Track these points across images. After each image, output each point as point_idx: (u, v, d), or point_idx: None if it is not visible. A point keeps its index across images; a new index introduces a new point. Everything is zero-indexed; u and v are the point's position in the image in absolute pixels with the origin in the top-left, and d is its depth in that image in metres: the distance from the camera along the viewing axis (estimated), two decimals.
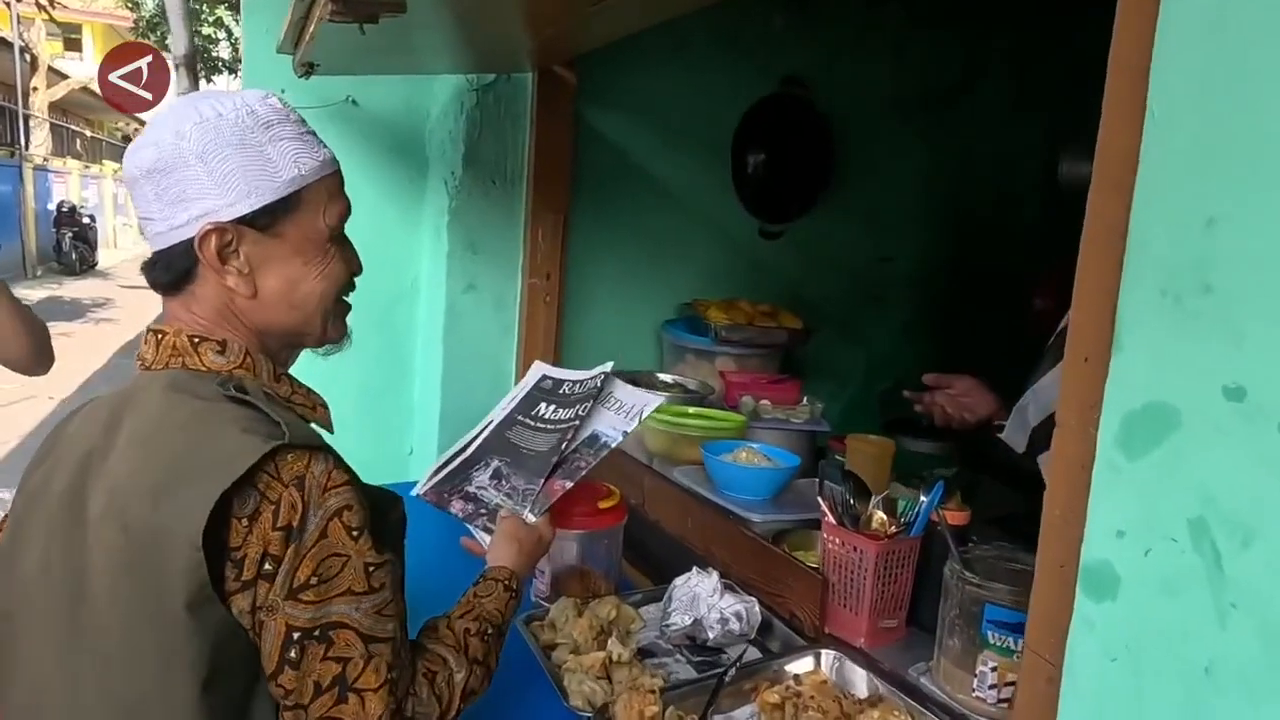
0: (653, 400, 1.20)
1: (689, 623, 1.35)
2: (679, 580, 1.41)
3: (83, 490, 0.85)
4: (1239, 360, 0.62)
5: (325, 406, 0.97)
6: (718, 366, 2.28)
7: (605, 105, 2.29)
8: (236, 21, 13.20)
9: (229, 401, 0.85)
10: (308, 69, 1.71)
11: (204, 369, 0.89)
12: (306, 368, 1.07)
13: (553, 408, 1.26)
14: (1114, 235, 0.72)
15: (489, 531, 1.18)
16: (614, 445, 1.19)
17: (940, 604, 1.20)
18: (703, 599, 1.37)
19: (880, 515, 1.31)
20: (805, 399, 2.10)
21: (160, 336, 0.91)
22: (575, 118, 2.18)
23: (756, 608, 1.38)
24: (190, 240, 0.87)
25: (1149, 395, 0.69)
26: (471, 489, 1.23)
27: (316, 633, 0.79)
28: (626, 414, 1.21)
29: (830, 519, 1.33)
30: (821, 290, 2.70)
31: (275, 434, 0.81)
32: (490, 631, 0.99)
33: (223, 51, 15.01)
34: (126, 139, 21.14)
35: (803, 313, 2.43)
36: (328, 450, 0.84)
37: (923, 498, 1.32)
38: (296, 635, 0.79)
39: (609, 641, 1.27)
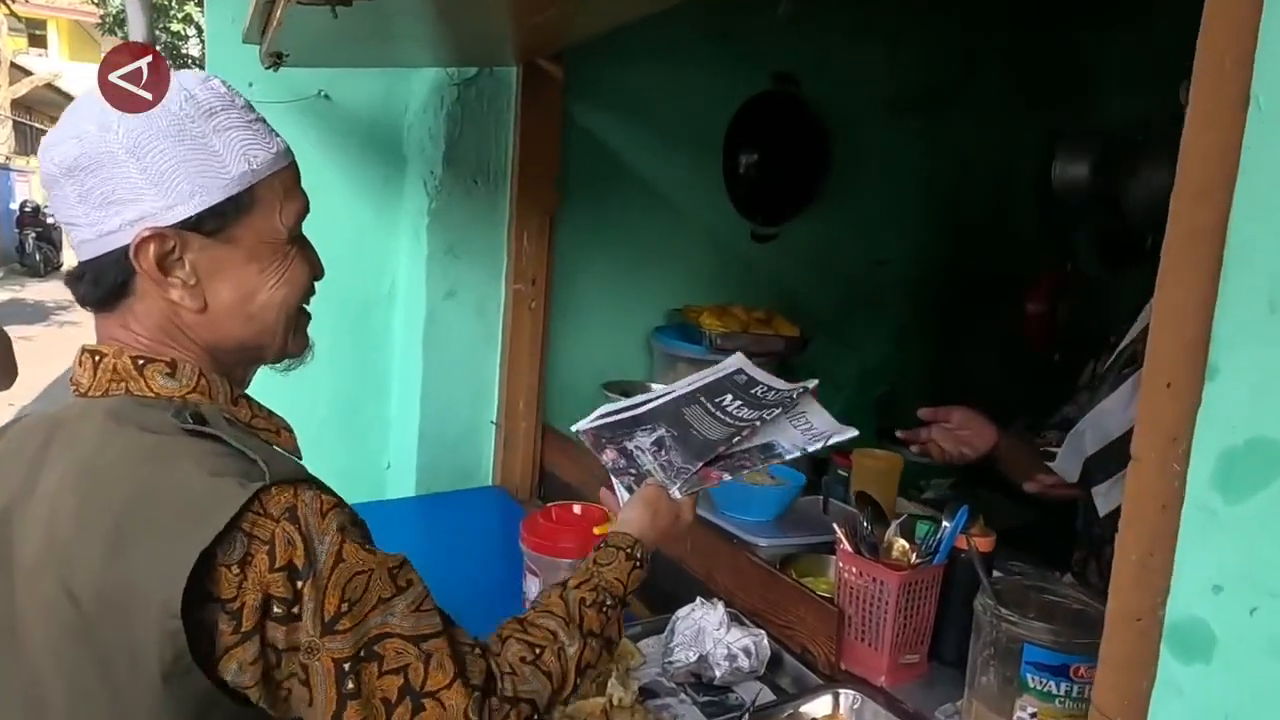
0: (846, 432, 1.15)
1: (694, 659, 1.25)
2: (682, 612, 1.31)
3: (7, 532, 0.74)
4: None
5: (290, 430, 0.86)
6: None
7: (592, 101, 2.18)
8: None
9: (187, 435, 0.73)
10: (276, 60, 1.59)
11: (152, 395, 0.78)
12: (275, 378, 0.95)
13: (739, 404, 1.20)
14: (1204, 244, 0.63)
15: (631, 492, 1.14)
16: (787, 458, 1.15)
17: (970, 641, 1.10)
18: (708, 633, 1.27)
19: (901, 543, 1.21)
20: None
21: (98, 358, 0.79)
22: (562, 114, 2.06)
23: (765, 641, 1.28)
24: (124, 249, 0.75)
25: (1254, 429, 0.59)
26: (631, 446, 1.20)
27: (363, 653, 0.72)
28: (813, 436, 1.15)
29: (847, 547, 1.23)
30: (815, 294, 2.62)
31: (251, 472, 0.70)
32: (609, 602, 0.93)
33: (192, 49, 14.68)
34: None
35: (796, 318, 2.34)
36: (310, 477, 0.75)
37: (945, 523, 1.23)
38: (347, 666, 0.71)
39: (609, 683, 1.17)
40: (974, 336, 2.93)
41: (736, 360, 1.26)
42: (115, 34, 14.40)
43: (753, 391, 1.20)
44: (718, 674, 1.24)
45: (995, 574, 1.16)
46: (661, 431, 1.19)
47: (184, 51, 14.59)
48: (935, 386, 3.02)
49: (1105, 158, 2.89)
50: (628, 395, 2.06)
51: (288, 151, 0.83)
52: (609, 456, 1.19)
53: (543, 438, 2.15)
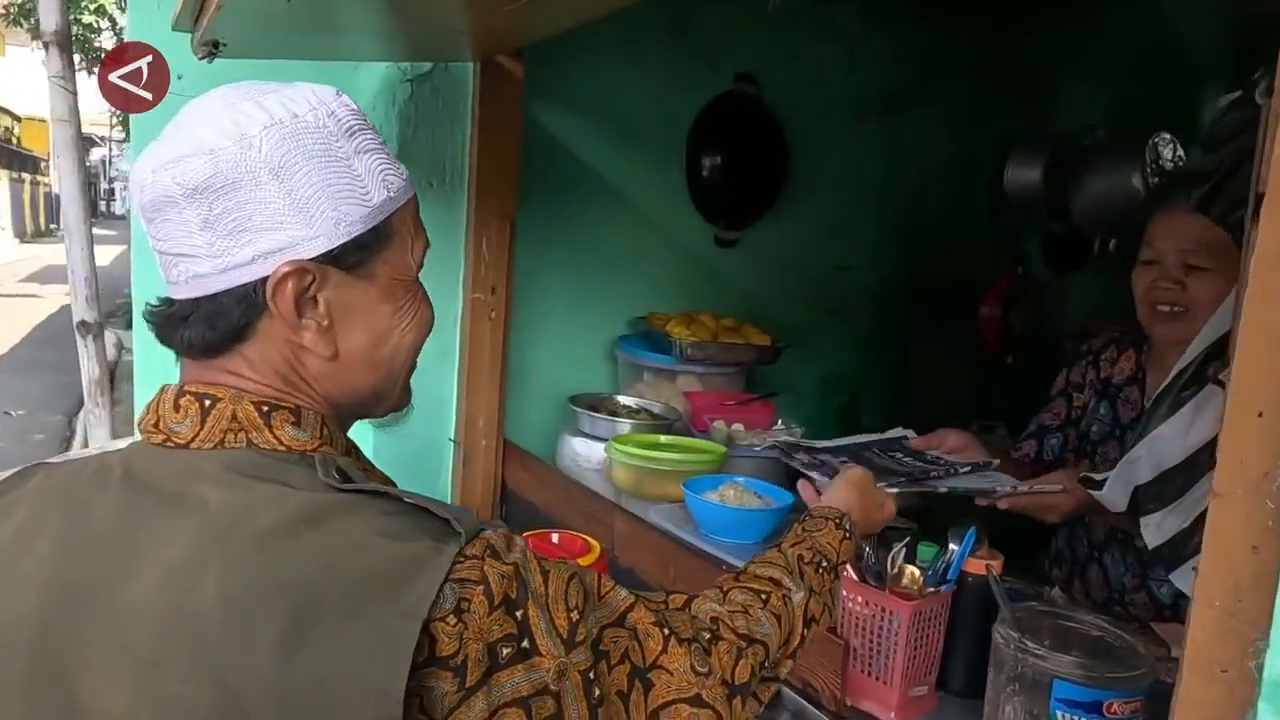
0: (1048, 485, 1.33)
1: None
2: None
3: (74, 627, 0.61)
4: None
5: (393, 484, 0.76)
6: (680, 387, 2.10)
7: (552, 101, 2.08)
8: (121, 9, 12.27)
9: (338, 492, 0.63)
10: (211, 50, 1.44)
11: (281, 447, 0.66)
12: None
13: (910, 459, 1.38)
14: None
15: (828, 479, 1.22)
16: (996, 490, 1.32)
17: (989, 673, 1.04)
18: None
19: (912, 570, 1.15)
20: (779, 421, 1.94)
21: (208, 403, 0.66)
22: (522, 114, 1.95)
23: None
24: (253, 284, 0.65)
25: None
26: (820, 459, 1.34)
27: (595, 657, 0.67)
28: (994, 482, 1.36)
29: (852, 575, 1.16)
30: (779, 300, 2.56)
31: (432, 528, 0.61)
32: (825, 564, 0.91)
33: (106, 42, 13.93)
34: None
35: (761, 325, 2.28)
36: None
37: (953, 546, 1.17)
38: (592, 675, 0.65)
39: None
40: (933, 341, 2.93)
41: (900, 430, 1.47)
42: (21, 25, 13.59)
43: (926, 457, 1.37)
44: None
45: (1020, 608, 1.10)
46: (846, 459, 1.32)
47: (97, 45, 13.84)
48: (896, 393, 3.01)
49: (1055, 162, 2.92)
50: (596, 409, 1.99)
51: (411, 181, 0.73)
52: (802, 458, 1.32)
53: (504, 455, 2.03)
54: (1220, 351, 0.89)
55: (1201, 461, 0.89)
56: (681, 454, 1.68)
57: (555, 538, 1.35)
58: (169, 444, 0.66)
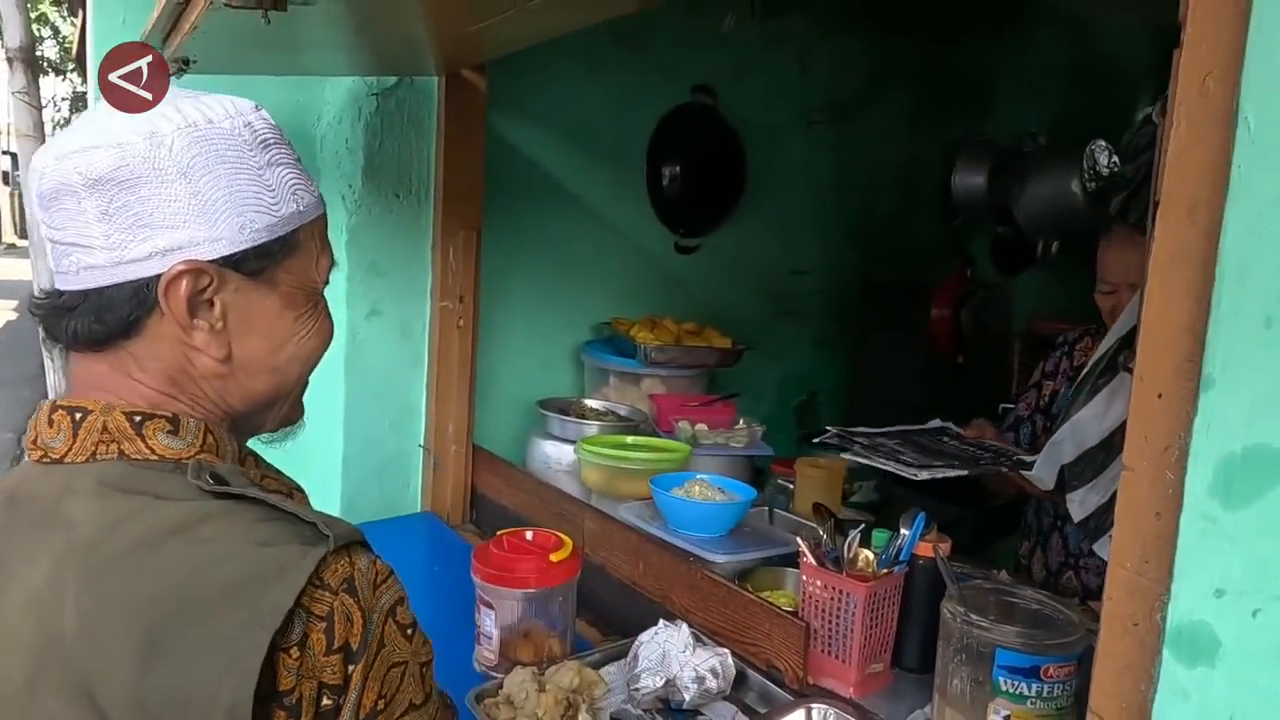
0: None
1: (660, 684, 1.22)
2: (645, 636, 1.27)
3: None
4: None
5: (302, 491, 0.78)
6: (645, 389, 2.16)
7: (514, 113, 2.13)
8: (64, 18, 11.99)
9: (213, 500, 0.63)
10: (182, 66, 1.47)
11: (153, 457, 0.66)
12: None
13: (955, 445, 1.51)
14: (1191, 262, 0.65)
15: (891, 458, 1.39)
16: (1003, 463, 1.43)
17: (939, 647, 1.12)
18: (674, 656, 1.24)
19: (866, 554, 1.22)
20: (741, 420, 2.01)
21: (78, 416, 0.66)
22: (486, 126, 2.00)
23: (730, 660, 1.27)
24: (146, 281, 0.65)
25: (1252, 437, 0.61)
26: (878, 441, 1.47)
27: None
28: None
29: (811, 561, 1.23)
30: (737, 305, 2.64)
31: (305, 534, 0.62)
32: None
33: (48, 51, 13.58)
34: None
35: (720, 328, 2.36)
36: (364, 538, 0.66)
37: (904, 530, 1.25)
38: None
39: (579, 716, 1.13)
40: (886, 342, 3.03)
41: (939, 421, 1.60)
42: None
43: (964, 446, 1.48)
44: (687, 698, 1.21)
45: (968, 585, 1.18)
46: (899, 442, 1.46)
47: (38, 54, 13.47)
48: (851, 393, 3.12)
49: (999, 168, 3.05)
50: (566, 413, 2.04)
51: (323, 200, 0.76)
52: (860, 441, 1.46)
53: (474, 460, 2.07)
54: (1130, 342, 0.98)
55: (1117, 442, 0.97)
56: (649, 453, 1.74)
57: (530, 535, 1.40)
58: (46, 460, 0.66)
